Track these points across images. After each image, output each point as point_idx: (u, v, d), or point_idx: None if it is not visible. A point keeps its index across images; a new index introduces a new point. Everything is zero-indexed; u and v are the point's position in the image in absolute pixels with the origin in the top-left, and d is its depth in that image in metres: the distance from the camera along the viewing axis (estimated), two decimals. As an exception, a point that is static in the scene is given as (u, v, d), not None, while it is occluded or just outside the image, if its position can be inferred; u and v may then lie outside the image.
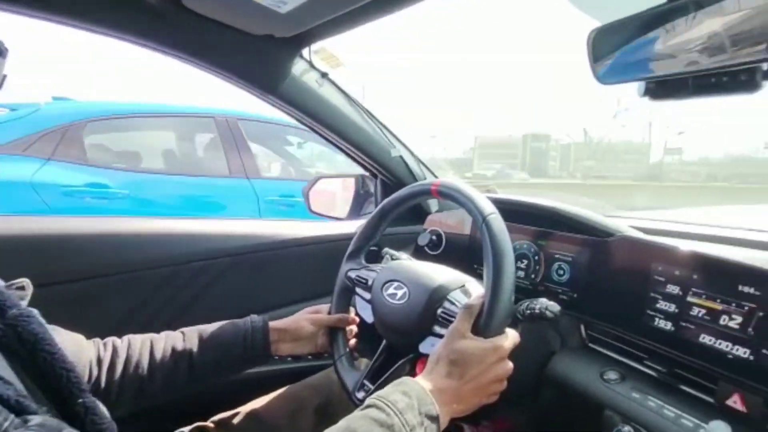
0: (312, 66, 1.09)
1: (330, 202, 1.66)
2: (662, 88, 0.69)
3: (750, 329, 0.68)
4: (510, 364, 0.70)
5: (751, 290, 0.68)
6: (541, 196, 1.12)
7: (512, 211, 1.09)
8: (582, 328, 0.97)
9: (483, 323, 0.70)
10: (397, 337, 0.87)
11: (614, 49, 0.63)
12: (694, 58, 0.61)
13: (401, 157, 1.29)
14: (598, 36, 0.63)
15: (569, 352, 0.96)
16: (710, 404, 0.73)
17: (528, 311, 0.83)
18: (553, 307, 0.80)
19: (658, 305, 0.80)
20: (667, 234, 0.97)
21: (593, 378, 0.87)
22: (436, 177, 1.46)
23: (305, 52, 1.07)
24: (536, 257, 1.03)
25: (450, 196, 0.85)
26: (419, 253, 1.29)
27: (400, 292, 0.86)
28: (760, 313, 0.67)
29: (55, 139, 2.57)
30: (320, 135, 1.25)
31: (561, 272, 0.98)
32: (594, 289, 0.91)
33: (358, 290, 0.97)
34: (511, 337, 0.70)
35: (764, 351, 0.66)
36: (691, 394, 0.76)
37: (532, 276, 1.03)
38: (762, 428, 0.67)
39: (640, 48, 0.62)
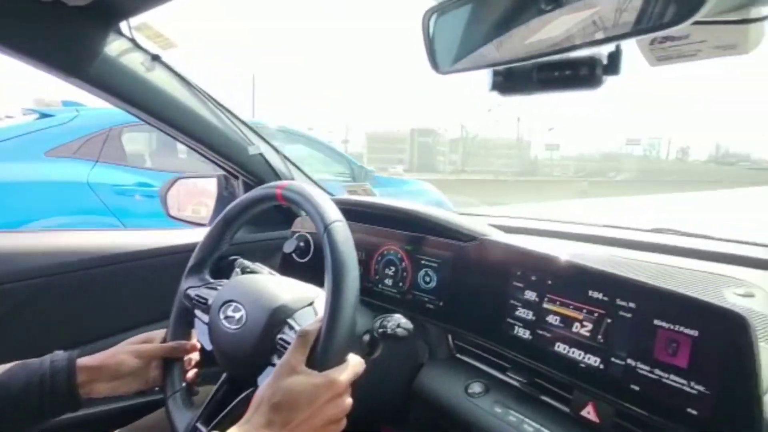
0: (136, 45, 0.91)
1: (191, 205, 1.47)
2: (509, 81, 0.63)
3: (599, 336, 0.65)
4: (348, 401, 0.60)
5: (600, 295, 0.65)
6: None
7: (377, 215, 1.01)
8: (449, 338, 0.91)
9: (319, 353, 0.59)
10: (235, 368, 0.74)
11: (453, 34, 0.55)
12: (536, 49, 0.55)
13: (262, 155, 1.15)
14: (436, 19, 0.55)
15: (437, 363, 0.90)
16: (568, 415, 0.70)
17: (380, 330, 0.75)
18: (406, 325, 0.73)
19: (517, 313, 0.75)
20: (528, 232, 0.94)
21: (458, 392, 0.81)
22: (309, 177, 1.35)
23: (123, 27, 0.88)
24: (403, 264, 0.95)
25: (294, 201, 0.74)
26: (287, 262, 1.16)
27: (237, 315, 0.73)
28: (609, 320, 0.64)
29: (99, 143, 2.71)
30: (164, 132, 1.07)
31: (428, 279, 0.91)
32: (458, 297, 0.85)
33: (197, 312, 0.83)
34: (351, 367, 0.60)
35: (613, 359, 0.63)
36: (551, 405, 0.73)
37: (400, 284, 0.95)
38: None
39: (480, 35, 0.54)
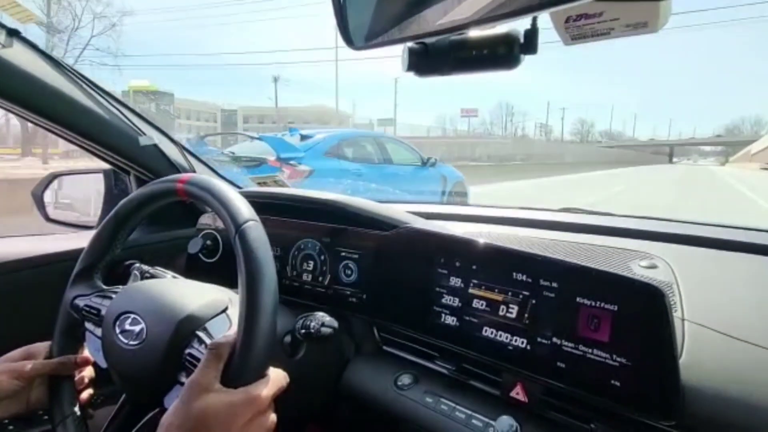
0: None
1: (74, 206, 1.29)
2: (425, 61, 0.60)
3: (525, 318, 0.65)
4: (272, 418, 0.54)
5: (524, 277, 0.65)
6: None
7: (293, 207, 0.94)
8: (375, 331, 0.88)
9: (235, 367, 0.53)
10: (136, 389, 0.65)
11: (367, 6, 0.50)
12: (453, 22, 0.52)
13: (156, 146, 1.02)
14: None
15: (364, 358, 0.87)
16: (499, 397, 0.70)
17: (303, 330, 0.69)
18: (330, 323, 0.68)
19: (443, 300, 0.74)
20: (446, 217, 0.94)
21: (387, 386, 0.79)
22: (213, 169, 1.23)
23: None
24: (322, 257, 0.90)
25: (198, 198, 0.65)
26: (193, 264, 1.05)
27: (136, 329, 0.63)
28: (533, 301, 0.64)
29: (338, 149, 5.32)
30: (31, 121, 0.90)
31: (349, 272, 0.86)
32: (382, 288, 0.82)
33: (88, 325, 0.71)
34: (274, 381, 0.54)
35: (539, 339, 0.63)
36: (482, 390, 0.73)
37: (320, 278, 0.90)
38: (543, 416, 0.66)
39: (397, 8, 0.50)
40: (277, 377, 0.55)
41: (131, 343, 0.62)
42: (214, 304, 0.66)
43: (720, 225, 0.96)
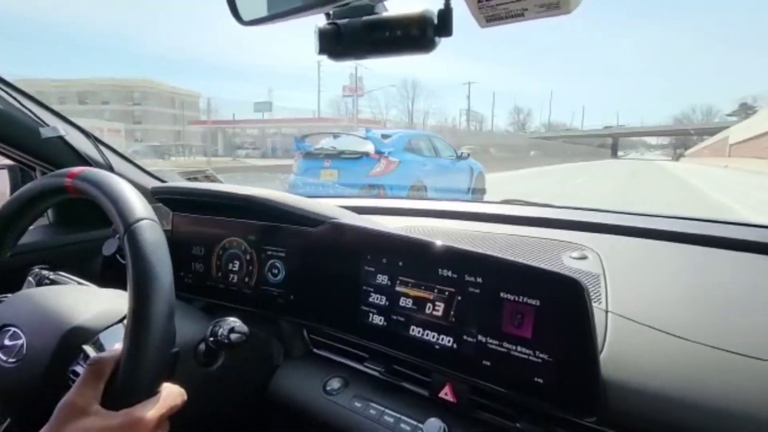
0: None
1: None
2: (338, 44, 0.56)
3: (452, 316, 0.62)
4: None
5: (449, 273, 0.62)
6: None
7: (216, 204, 0.88)
8: (305, 333, 0.83)
9: (118, 386, 0.47)
10: (19, 412, 0.57)
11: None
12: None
13: (62, 138, 0.93)
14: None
15: (293, 363, 0.82)
16: (429, 399, 0.67)
17: (211, 338, 0.64)
18: (240, 328, 0.63)
19: (370, 299, 0.70)
20: (381, 211, 0.90)
21: (316, 391, 0.75)
22: (135, 164, 1.13)
23: None
24: (248, 257, 0.84)
25: (87, 194, 0.58)
26: (109, 267, 0.97)
27: (16, 344, 0.56)
28: (459, 297, 0.62)
29: (410, 145, 6.23)
30: None
31: (276, 272, 0.81)
32: (309, 288, 0.78)
33: None
34: (165, 400, 0.48)
35: (465, 337, 0.61)
36: (412, 391, 0.70)
37: (246, 279, 0.84)
38: (471, 416, 0.63)
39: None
40: (170, 395, 0.49)
41: (10, 360, 0.55)
42: (108, 314, 0.59)
43: (655, 215, 0.97)
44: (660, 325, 0.57)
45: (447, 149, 6.92)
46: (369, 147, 5.56)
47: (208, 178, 1.21)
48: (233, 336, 0.62)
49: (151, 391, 0.47)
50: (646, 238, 0.84)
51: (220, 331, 0.62)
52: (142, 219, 0.53)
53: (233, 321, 0.63)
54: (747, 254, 0.76)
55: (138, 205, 0.55)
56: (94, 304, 0.60)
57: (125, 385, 0.46)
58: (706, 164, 34.17)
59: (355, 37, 0.54)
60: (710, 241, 0.80)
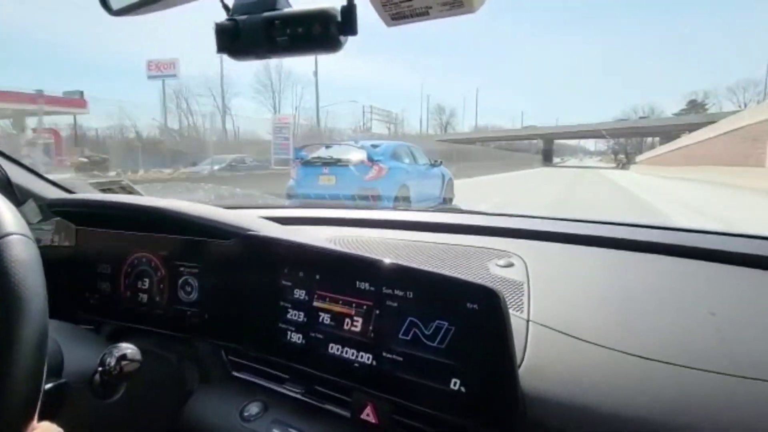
0: None
1: None
2: (237, 42, 0.52)
3: (370, 331, 0.59)
4: None
5: (366, 286, 0.59)
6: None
7: (123, 217, 0.80)
8: (223, 354, 0.77)
9: None
10: None
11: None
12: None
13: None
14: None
15: (210, 388, 0.76)
16: (350, 420, 0.63)
17: (101, 369, 0.57)
18: (133, 355, 0.57)
19: (288, 315, 0.65)
20: (307, 222, 0.86)
21: (232, 418, 0.69)
22: (39, 176, 1.03)
23: None
24: (159, 274, 0.77)
25: None
26: None
27: None
28: (377, 311, 0.58)
29: (395, 154, 6.89)
30: None
31: (189, 289, 0.75)
32: (225, 305, 0.72)
33: None
34: None
35: (384, 354, 0.57)
36: (334, 413, 0.65)
37: (157, 298, 0.77)
38: None
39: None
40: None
41: None
42: None
43: (583, 220, 0.98)
44: (579, 333, 0.56)
45: (422, 157, 7.72)
46: (362, 155, 6.29)
47: (125, 189, 1.12)
48: (125, 364, 0.56)
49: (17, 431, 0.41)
50: (573, 243, 0.85)
51: (109, 360, 0.56)
52: (10, 234, 0.47)
53: (125, 348, 0.57)
54: (667, 257, 0.77)
55: (5, 218, 0.48)
56: None
57: None
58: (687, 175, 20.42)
59: (254, 34, 0.50)
60: (635, 246, 0.81)
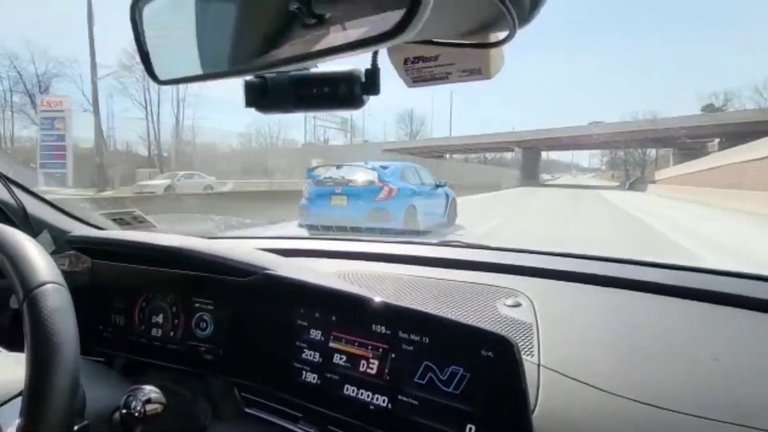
0: None
1: None
2: (265, 98, 0.54)
3: (386, 374, 0.60)
4: None
5: (383, 329, 0.61)
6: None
7: (137, 255, 0.82)
8: (236, 391, 0.78)
9: None
10: None
11: (172, 33, 0.43)
12: (281, 55, 0.47)
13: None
14: (148, 13, 0.42)
15: (223, 424, 0.76)
16: None
17: (124, 410, 0.58)
18: (158, 398, 0.58)
19: (303, 355, 0.67)
20: (306, 253, 0.87)
21: None
22: (55, 207, 1.05)
23: None
24: (174, 309, 0.79)
25: None
26: (18, 321, 0.88)
27: None
28: (393, 355, 0.60)
29: (403, 175, 6.91)
30: None
31: (203, 325, 0.76)
32: (240, 342, 0.73)
33: None
34: None
35: (400, 397, 0.59)
36: None
37: (171, 333, 0.79)
38: None
39: (208, 37, 0.44)
40: None
41: None
42: (5, 386, 0.53)
43: (588, 257, 0.99)
44: (589, 379, 0.58)
45: (428, 178, 7.88)
46: (373, 176, 6.53)
47: (137, 219, 1.14)
48: (149, 407, 0.57)
49: None
50: (580, 282, 0.86)
51: (134, 403, 0.57)
52: (47, 283, 0.49)
53: (150, 390, 0.58)
54: (678, 300, 0.77)
55: (42, 267, 0.50)
56: None
57: None
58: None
59: (281, 91, 0.53)
60: (641, 286, 0.82)
